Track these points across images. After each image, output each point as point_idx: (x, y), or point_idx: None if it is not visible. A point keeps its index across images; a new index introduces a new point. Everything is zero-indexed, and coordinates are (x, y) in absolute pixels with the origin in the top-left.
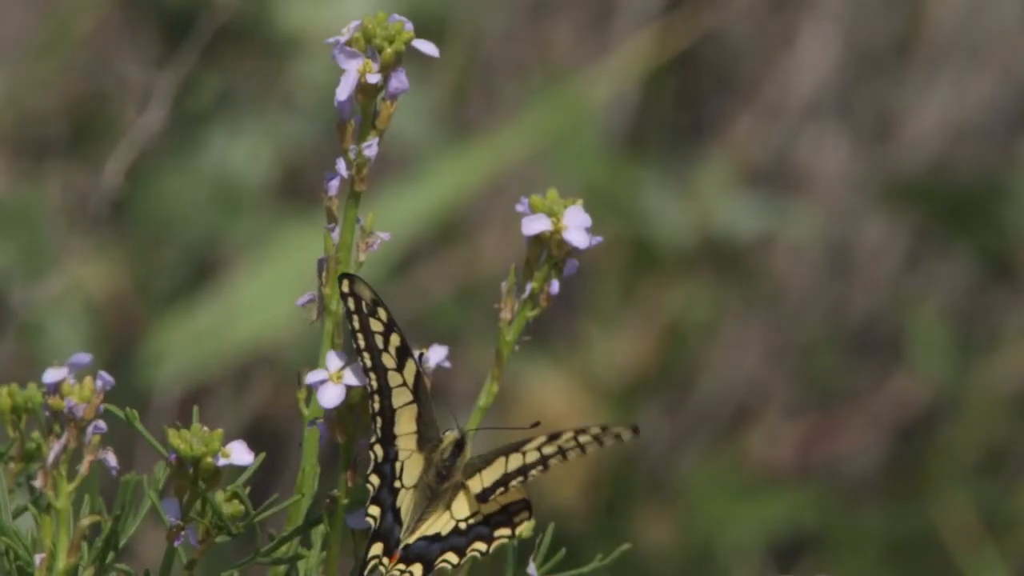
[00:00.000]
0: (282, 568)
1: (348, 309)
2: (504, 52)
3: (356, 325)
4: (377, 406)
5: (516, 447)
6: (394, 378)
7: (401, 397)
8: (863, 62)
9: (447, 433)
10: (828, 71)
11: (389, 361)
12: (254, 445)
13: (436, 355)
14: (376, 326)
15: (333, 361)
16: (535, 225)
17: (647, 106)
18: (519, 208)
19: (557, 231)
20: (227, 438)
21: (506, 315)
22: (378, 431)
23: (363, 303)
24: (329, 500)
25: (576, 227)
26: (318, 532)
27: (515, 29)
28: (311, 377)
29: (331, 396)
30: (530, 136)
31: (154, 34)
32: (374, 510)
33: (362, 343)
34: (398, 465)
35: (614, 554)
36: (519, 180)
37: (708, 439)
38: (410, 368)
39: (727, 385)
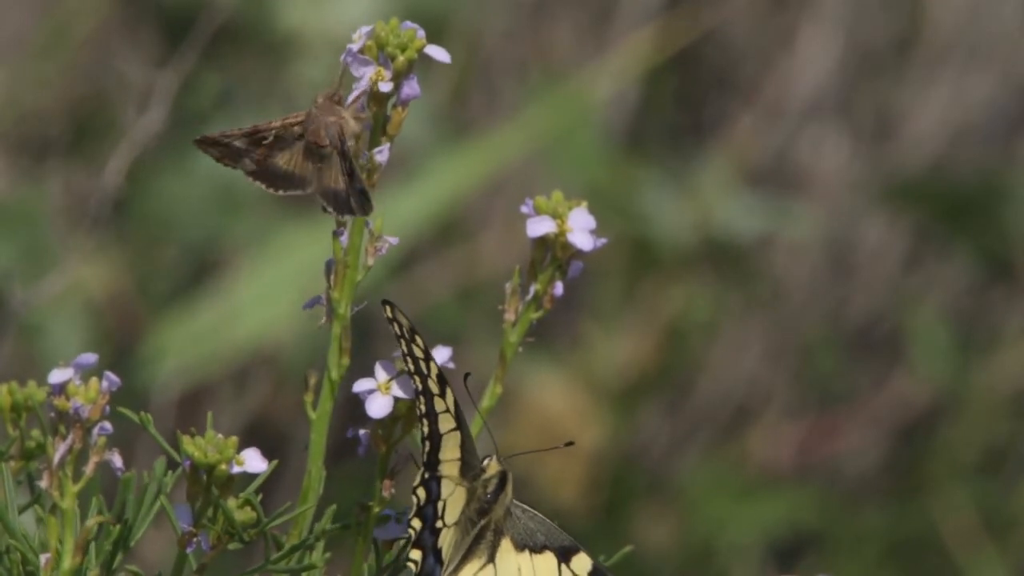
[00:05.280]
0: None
1: (395, 333)
2: (504, 52)
3: (404, 349)
4: (426, 430)
5: (567, 552)
6: (438, 404)
7: (446, 423)
8: (863, 62)
9: (488, 461)
10: (828, 71)
11: (433, 387)
12: (253, 445)
13: (440, 356)
14: (417, 352)
15: (381, 372)
16: (539, 227)
17: (647, 105)
18: (523, 209)
19: (562, 233)
20: (227, 438)
21: (510, 317)
22: (425, 456)
23: (404, 329)
24: (360, 508)
25: (581, 229)
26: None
27: (515, 29)
28: (359, 386)
29: (379, 407)
30: (530, 136)
31: (154, 34)
32: (415, 554)
33: (411, 367)
34: (440, 505)
35: (617, 556)
36: (519, 180)
37: (708, 439)
38: (450, 396)
39: (727, 385)
